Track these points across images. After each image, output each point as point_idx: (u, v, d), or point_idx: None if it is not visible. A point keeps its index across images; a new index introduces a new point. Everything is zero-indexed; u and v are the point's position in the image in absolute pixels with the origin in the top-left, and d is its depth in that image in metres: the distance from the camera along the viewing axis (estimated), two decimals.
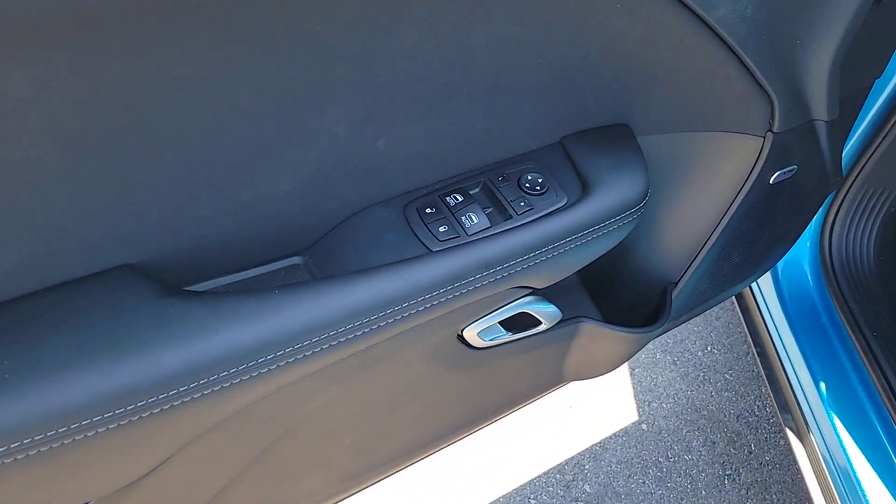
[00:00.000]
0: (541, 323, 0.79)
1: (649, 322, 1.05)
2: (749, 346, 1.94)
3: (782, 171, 0.88)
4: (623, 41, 0.63)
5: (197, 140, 0.48)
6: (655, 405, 1.80)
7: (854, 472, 1.15)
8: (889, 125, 1.20)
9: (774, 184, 0.89)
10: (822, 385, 1.24)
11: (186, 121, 0.46)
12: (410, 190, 0.69)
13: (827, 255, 1.36)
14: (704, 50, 0.66)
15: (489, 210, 0.69)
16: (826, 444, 1.19)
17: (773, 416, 1.79)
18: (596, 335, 0.90)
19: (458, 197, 0.68)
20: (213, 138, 0.49)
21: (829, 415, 1.20)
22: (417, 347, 0.69)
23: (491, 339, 0.76)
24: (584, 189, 0.71)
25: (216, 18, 0.42)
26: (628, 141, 0.75)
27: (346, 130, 0.56)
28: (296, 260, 0.66)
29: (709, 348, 1.94)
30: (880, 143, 1.22)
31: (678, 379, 1.86)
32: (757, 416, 1.79)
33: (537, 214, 0.68)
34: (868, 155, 1.25)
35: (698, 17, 0.61)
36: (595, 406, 1.76)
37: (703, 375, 1.88)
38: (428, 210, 0.67)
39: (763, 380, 1.87)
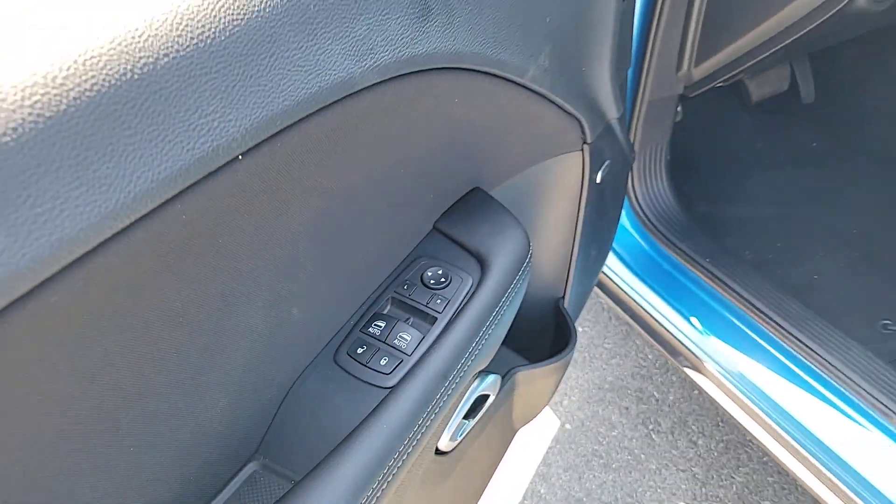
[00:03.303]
0: (489, 395, 0.80)
1: (555, 338, 1.12)
2: (607, 310, 2.13)
3: (601, 169, 1.00)
4: (463, 126, 0.67)
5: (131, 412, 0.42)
6: (567, 402, 1.89)
7: (749, 377, 1.32)
8: (640, 95, 1.41)
9: (600, 182, 1.01)
10: (693, 319, 1.41)
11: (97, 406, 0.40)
12: (329, 339, 0.66)
13: (640, 212, 1.55)
14: (525, 104, 0.73)
15: (410, 319, 0.68)
16: (720, 365, 1.35)
17: (658, 360, 1.98)
18: (531, 378, 0.93)
19: (379, 324, 0.67)
20: (136, 406, 0.43)
21: (708, 342, 1.37)
22: (412, 484, 0.65)
23: (460, 436, 0.75)
24: (480, 262, 0.74)
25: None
26: (490, 202, 0.80)
27: (261, 318, 0.53)
28: (252, 468, 0.60)
29: (580, 329, 2.09)
30: (640, 111, 1.43)
31: (571, 370, 1.97)
32: (645, 366, 1.97)
33: (455, 305, 0.69)
34: (635, 123, 1.46)
35: (516, 83, 0.67)
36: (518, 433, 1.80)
37: (589, 354, 2.02)
38: (360, 350, 0.64)
39: (635, 334, 2.06)
